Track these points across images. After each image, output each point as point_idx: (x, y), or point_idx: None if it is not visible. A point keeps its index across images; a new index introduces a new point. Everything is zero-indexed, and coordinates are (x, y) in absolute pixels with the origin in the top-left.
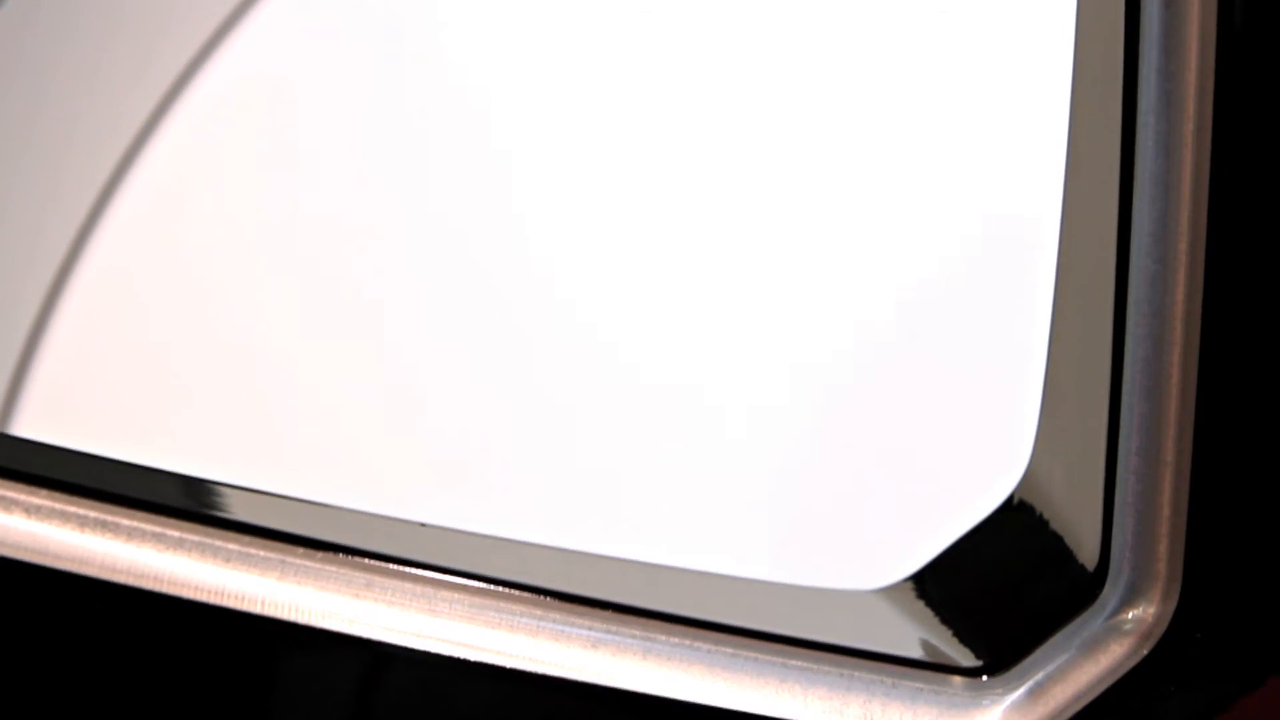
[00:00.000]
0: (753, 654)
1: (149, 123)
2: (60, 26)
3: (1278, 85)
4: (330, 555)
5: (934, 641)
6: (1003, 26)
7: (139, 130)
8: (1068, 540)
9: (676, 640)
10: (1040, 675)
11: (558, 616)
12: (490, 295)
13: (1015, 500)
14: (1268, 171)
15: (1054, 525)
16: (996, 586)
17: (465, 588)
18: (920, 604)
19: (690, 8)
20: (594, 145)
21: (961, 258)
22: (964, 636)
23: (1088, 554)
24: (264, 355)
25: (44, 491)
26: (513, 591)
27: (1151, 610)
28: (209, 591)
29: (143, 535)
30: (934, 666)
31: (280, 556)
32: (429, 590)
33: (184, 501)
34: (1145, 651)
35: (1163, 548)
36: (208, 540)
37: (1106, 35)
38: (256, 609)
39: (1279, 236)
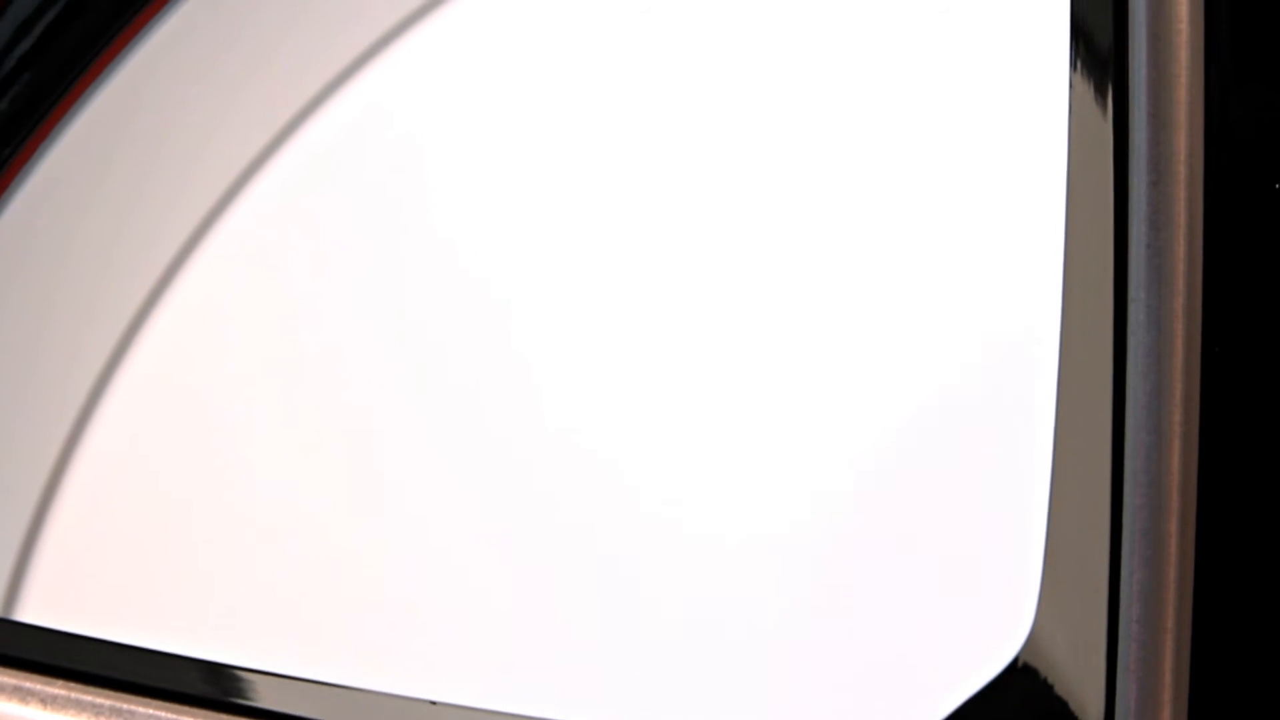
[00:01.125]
0: None
1: (150, 297)
2: (76, 203)
3: (1265, 259)
4: None
5: None
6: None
7: (138, 307)
8: (1072, 705)
9: None
10: None
11: None
12: (498, 453)
13: (1019, 664)
14: (1258, 343)
15: (1058, 689)
16: None
17: None
18: None
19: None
20: (591, 274)
21: (962, 427)
22: None
23: (1092, 718)
24: (272, 539)
25: (59, 681)
26: None
27: None
28: None
29: None
30: None
31: None
32: None
33: (201, 688)
34: None
35: (1166, 714)
36: None
37: (1096, 214)
38: None
39: (1271, 406)
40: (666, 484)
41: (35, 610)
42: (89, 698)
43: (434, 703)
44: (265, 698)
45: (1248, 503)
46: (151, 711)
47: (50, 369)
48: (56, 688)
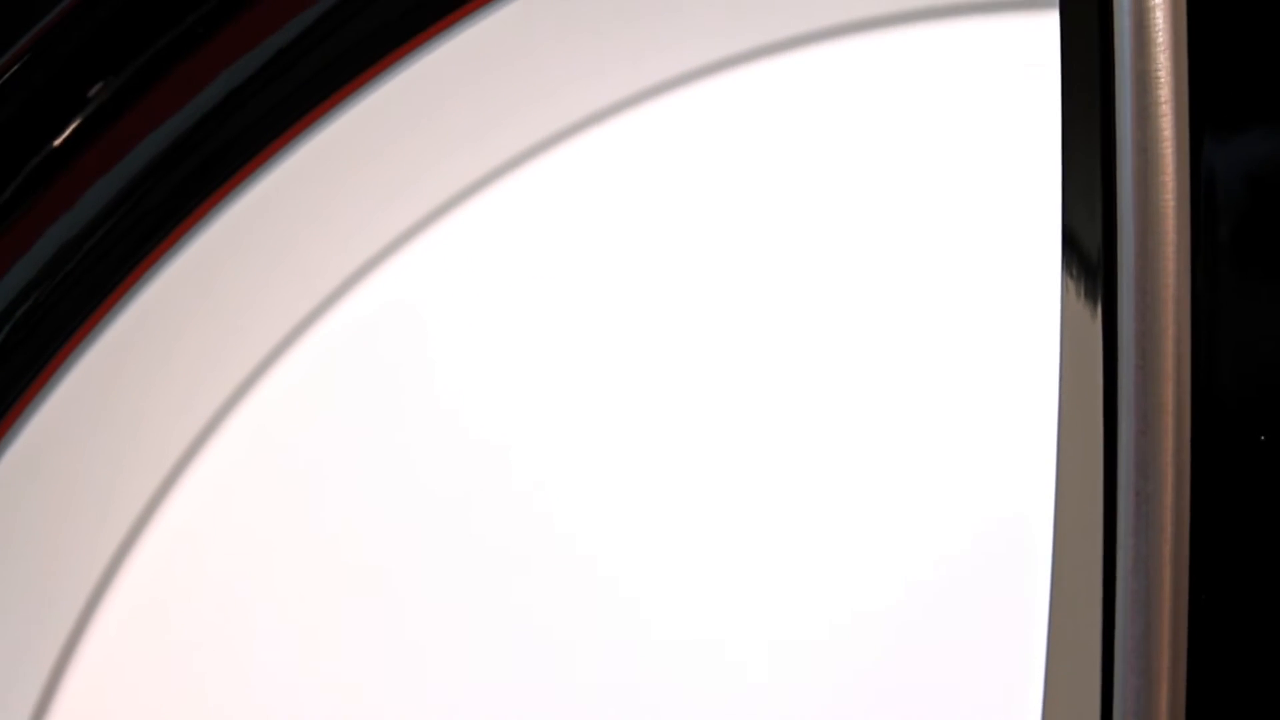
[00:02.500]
0: None
1: (170, 475)
2: (94, 403)
3: (1251, 505)
4: None
5: None
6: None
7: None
8: None
9: None
10: None
11: None
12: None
13: None
14: (1243, 589)
15: None
16: None
17: None
18: None
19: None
20: (592, 469)
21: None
22: None
23: None
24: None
25: None
26: None
27: None
28: None
29: None
30: None
31: None
32: None
33: None
34: None
35: None
36: None
37: (1087, 461)
38: None
39: (1260, 651)
40: (683, 624)
41: None
42: None
43: None
44: None
45: None
46: None
47: (75, 542)
48: None
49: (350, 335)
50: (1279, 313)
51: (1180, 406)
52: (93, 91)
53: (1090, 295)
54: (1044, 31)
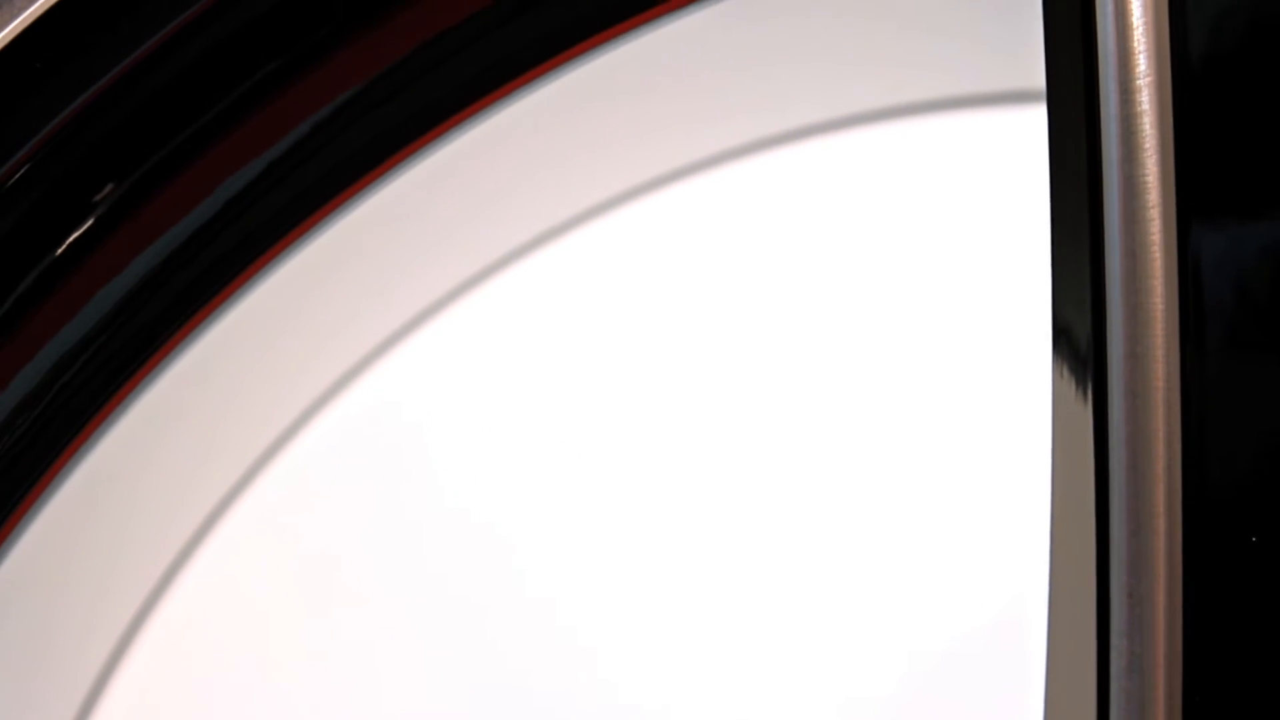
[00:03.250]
0: None
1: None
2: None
3: (1242, 605)
4: None
5: None
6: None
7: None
8: None
9: None
10: None
11: None
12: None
13: None
14: (1241, 683)
15: None
16: None
17: None
18: None
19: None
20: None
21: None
22: None
23: None
24: None
25: None
26: None
27: None
28: None
29: None
30: None
31: None
32: None
33: None
34: None
35: None
36: None
37: (1080, 560)
38: None
39: None
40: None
41: None
42: None
43: None
44: None
45: None
46: None
47: (63, 648)
48: None
49: (342, 434)
50: (1268, 414)
51: (1171, 507)
52: (97, 198)
53: (1081, 396)
54: (1035, 125)
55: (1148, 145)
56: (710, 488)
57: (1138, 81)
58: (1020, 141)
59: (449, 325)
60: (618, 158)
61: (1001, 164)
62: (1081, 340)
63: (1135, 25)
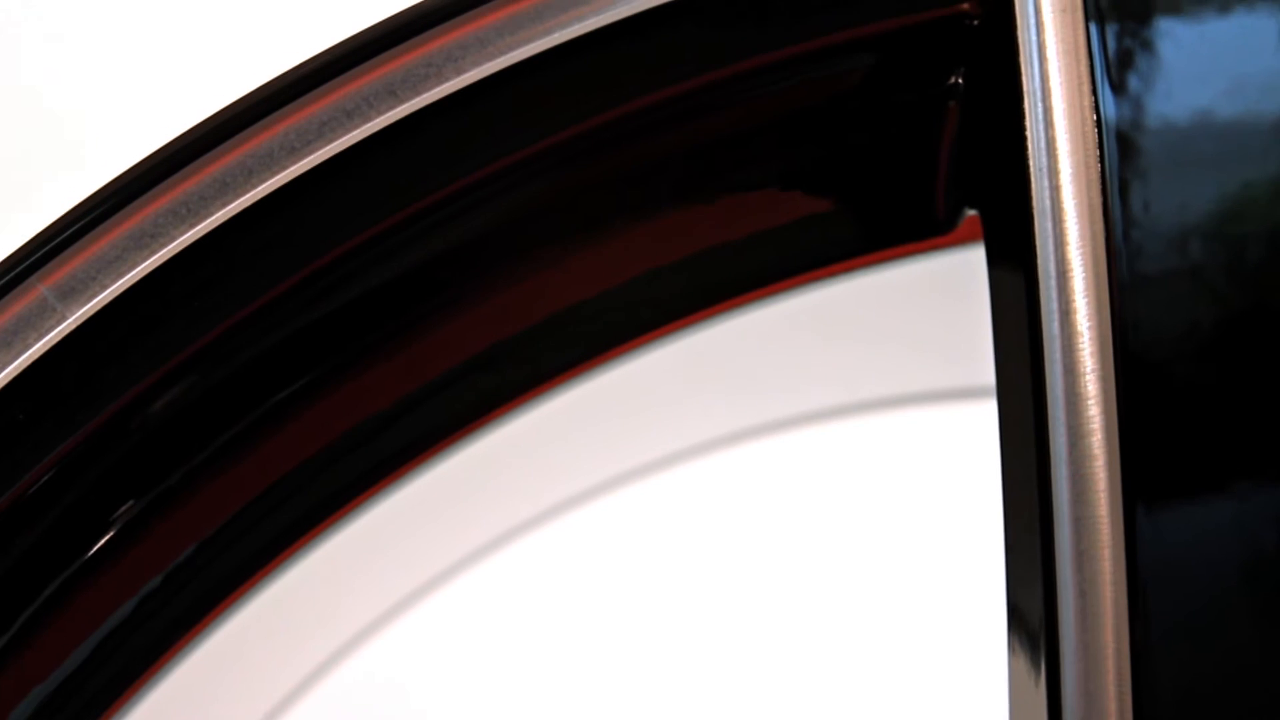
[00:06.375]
0: None
1: None
2: None
3: None
4: None
5: None
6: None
7: None
8: None
9: None
10: None
11: None
12: None
13: None
14: None
15: None
16: None
17: None
18: None
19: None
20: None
21: None
22: None
23: None
24: None
25: None
26: None
27: None
28: None
29: None
30: None
31: None
32: None
33: None
34: None
35: None
36: None
37: None
38: None
39: None
40: None
41: None
42: None
43: None
44: None
45: None
46: None
47: None
48: None
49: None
50: (1221, 676)
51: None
52: (115, 514)
53: (1034, 667)
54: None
55: (1094, 433)
56: None
57: (1084, 379)
58: (969, 434)
59: (437, 607)
60: (602, 453)
61: (955, 456)
62: (1034, 617)
63: (1081, 332)
